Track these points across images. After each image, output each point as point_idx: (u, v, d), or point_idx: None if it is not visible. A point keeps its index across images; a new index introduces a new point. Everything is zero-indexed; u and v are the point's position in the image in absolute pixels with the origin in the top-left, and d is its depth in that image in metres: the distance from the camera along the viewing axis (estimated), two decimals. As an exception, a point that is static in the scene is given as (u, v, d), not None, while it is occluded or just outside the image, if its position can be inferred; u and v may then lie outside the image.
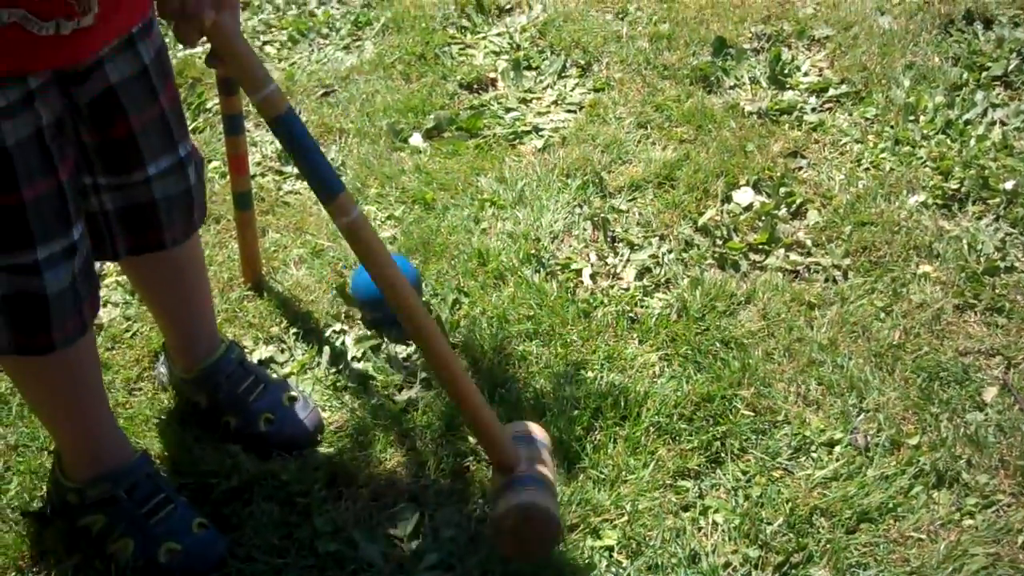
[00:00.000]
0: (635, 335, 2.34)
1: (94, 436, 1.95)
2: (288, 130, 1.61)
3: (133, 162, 1.77)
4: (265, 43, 3.34)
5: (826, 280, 2.48)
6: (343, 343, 2.36)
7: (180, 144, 1.84)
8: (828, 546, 1.91)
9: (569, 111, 3.04)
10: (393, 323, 2.35)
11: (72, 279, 1.70)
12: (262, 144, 2.92)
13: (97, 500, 1.93)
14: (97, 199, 1.79)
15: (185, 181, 1.86)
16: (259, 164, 2.84)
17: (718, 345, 2.30)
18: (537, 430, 1.86)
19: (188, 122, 2.95)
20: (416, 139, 2.94)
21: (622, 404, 2.16)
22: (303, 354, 2.33)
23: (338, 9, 3.49)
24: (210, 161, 2.85)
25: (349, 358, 2.32)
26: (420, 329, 1.68)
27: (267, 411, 2.13)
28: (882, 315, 2.36)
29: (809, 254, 2.56)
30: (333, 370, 2.29)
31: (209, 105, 3.05)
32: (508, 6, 3.47)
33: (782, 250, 2.56)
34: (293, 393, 2.17)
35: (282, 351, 2.34)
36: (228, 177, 2.57)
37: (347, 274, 2.50)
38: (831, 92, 3.06)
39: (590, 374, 2.23)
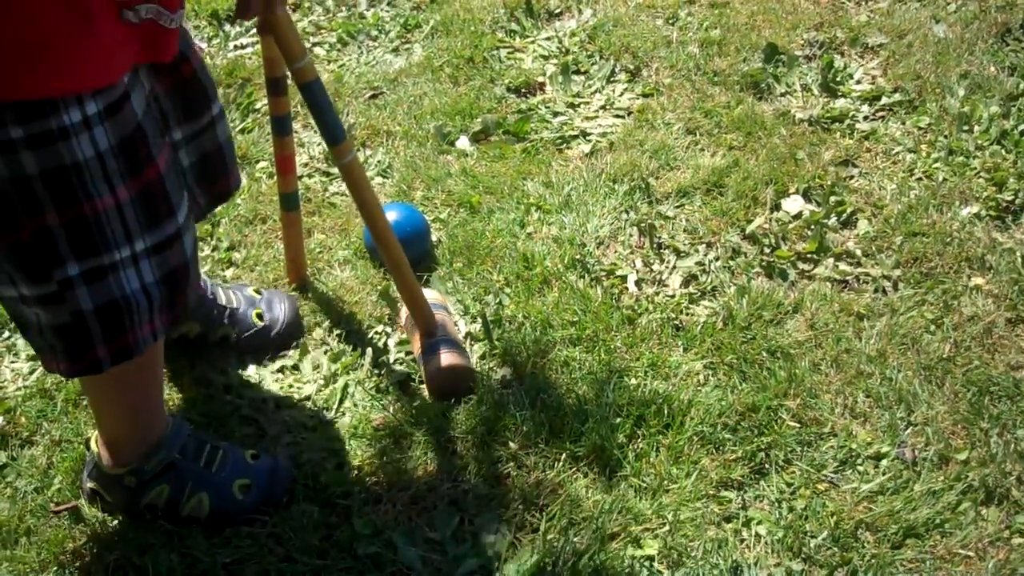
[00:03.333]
0: (680, 343, 2.32)
1: (151, 412, 1.96)
2: (313, 94, 1.99)
3: (202, 102, 1.87)
4: (315, 44, 3.34)
5: (876, 291, 2.44)
6: (385, 345, 2.35)
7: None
8: (873, 561, 1.88)
9: (617, 116, 3.02)
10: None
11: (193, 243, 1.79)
12: (309, 145, 2.92)
13: (157, 471, 1.95)
14: (176, 157, 1.84)
15: (227, 125, 1.97)
16: (306, 165, 2.85)
17: (764, 354, 2.27)
18: (439, 296, 2.38)
19: (237, 122, 2.97)
20: (463, 142, 2.93)
21: (665, 412, 2.13)
22: (347, 355, 2.32)
23: (387, 12, 3.49)
24: (257, 161, 2.86)
25: (391, 360, 2.31)
26: (381, 237, 2.14)
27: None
28: (932, 327, 2.32)
29: (859, 264, 2.52)
30: (375, 372, 2.28)
31: (258, 105, 3.06)
32: (558, 10, 3.45)
33: (831, 259, 2.52)
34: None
35: (325, 352, 2.34)
36: (275, 178, 2.58)
37: (389, 277, 2.49)
38: (884, 100, 3.02)
39: (633, 381, 2.21)
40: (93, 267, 1.62)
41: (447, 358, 2.20)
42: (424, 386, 2.25)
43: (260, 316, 2.35)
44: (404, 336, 2.36)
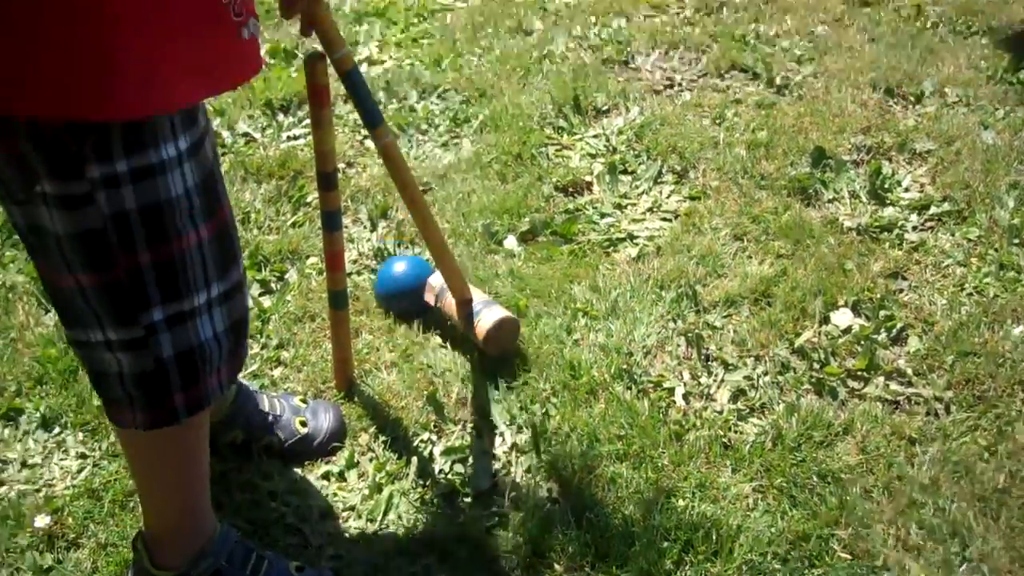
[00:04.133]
0: (728, 462, 2.30)
1: (200, 509, 1.95)
2: (353, 81, 2.11)
3: None
4: (365, 137, 3.37)
5: (927, 413, 2.42)
6: (431, 454, 2.34)
7: None
8: None
9: (664, 219, 3.02)
10: (419, 313, 2.68)
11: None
12: (359, 241, 2.94)
13: None
14: None
15: None
16: (355, 262, 2.86)
17: (815, 479, 2.25)
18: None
19: (288, 216, 2.99)
20: (511, 242, 2.94)
21: (714, 538, 2.11)
22: (392, 464, 2.31)
23: (437, 104, 3.52)
24: (307, 257, 2.87)
25: (436, 471, 2.31)
26: (420, 214, 2.34)
27: None
28: (986, 455, 2.29)
29: (910, 384, 2.50)
30: (420, 483, 2.28)
31: (309, 199, 3.08)
32: (605, 107, 3.48)
33: (882, 378, 2.51)
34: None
35: (370, 460, 2.33)
36: (324, 274, 2.59)
37: (437, 382, 2.49)
38: (933, 210, 3.02)
39: (681, 502, 2.19)
40: (176, 312, 1.64)
41: (496, 313, 2.51)
42: (480, 342, 2.51)
43: (304, 424, 2.35)
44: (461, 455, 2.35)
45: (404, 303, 2.69)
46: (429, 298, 2.65)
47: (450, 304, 2.58)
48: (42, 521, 2.19)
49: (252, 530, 2.18)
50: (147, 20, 1.42)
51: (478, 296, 2.57)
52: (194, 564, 1.93)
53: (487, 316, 2.51)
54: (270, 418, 2.33)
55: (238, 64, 1.60)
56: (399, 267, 2.71)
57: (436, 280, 2.62)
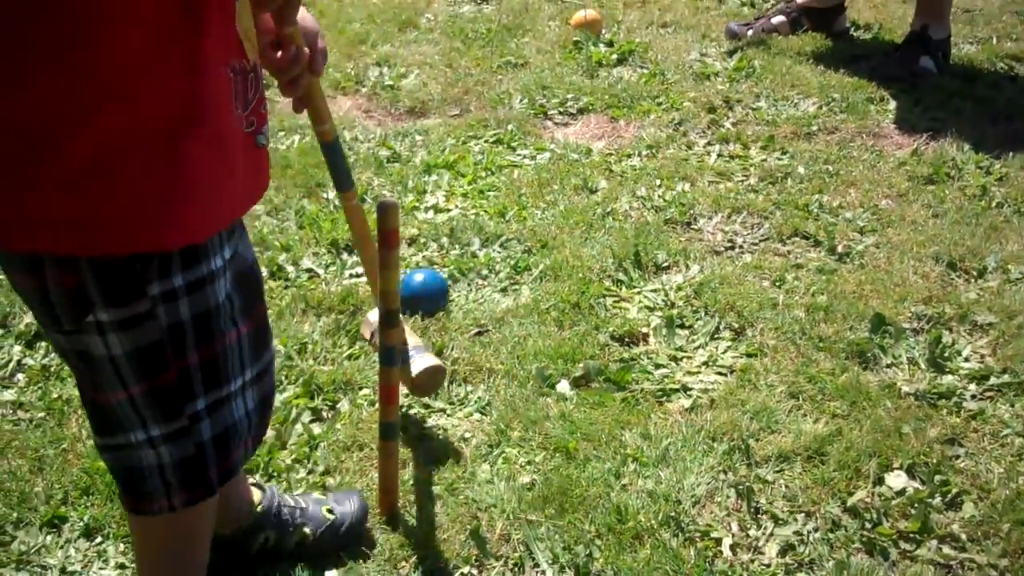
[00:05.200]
0: (774, 615, 2.24)
1: None
2: (332, 150, 2.29)
3: None
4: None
5: (982, 579, 2.35)
6: (471, 588, 2.31)
7: None
8: None
9: (720, 373, 3.02)
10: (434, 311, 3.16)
11: None
12: (412, 376, 2.96)
13: None
14: None
15: None
16: (407, 395, 2.87)
17: (863, 637, 2.18)
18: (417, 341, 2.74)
19: (345, 348, 3.02)
20: (563, 386, 2.94)
21: None
22: (429, 595, 2.28)
23: (499, 253, 3.57)
24: (360, 388, 2.89)
25: (475, 605, 2.27)
26: (370, 259, 2.44)
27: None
28: (1043, 625, 2.21)
29: (963, 549, 2.43)
30: (458, 615, 2.24)
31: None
32: (665, 264, 3.51)
33: (934, 542, 2.44)
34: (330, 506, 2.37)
35: (409, 589, 2.30)
36: (376, 406, 2.60)
37: (481, 517, 2.47)
38: (992, 380, 2.98)
39: (724, 652, 2.13)
40: (216, 399, 1.73)
41: (427, 360, 2.63)
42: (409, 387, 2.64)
43: (331, 511, 2.39)
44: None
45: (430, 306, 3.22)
46: (365, 332, 2.86)
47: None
48: (75, 629, 2.18)
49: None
50: (210, 152, 1.52)
51: (412, 341, 2.65)
52: None
53: (419, 362, 2.61)
54: (298, 511, 2.36)
55: (263, 175, 1.73)
56: (417, 278, 3.25)
57: (374, 317, 2.73)
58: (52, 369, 2.96)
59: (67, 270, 1.51)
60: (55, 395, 2.84)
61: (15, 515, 2.47)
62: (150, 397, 1.66)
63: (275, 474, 2.61)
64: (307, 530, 2.36)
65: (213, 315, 1.66)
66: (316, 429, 2.75)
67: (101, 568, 2.35)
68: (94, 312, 1.55)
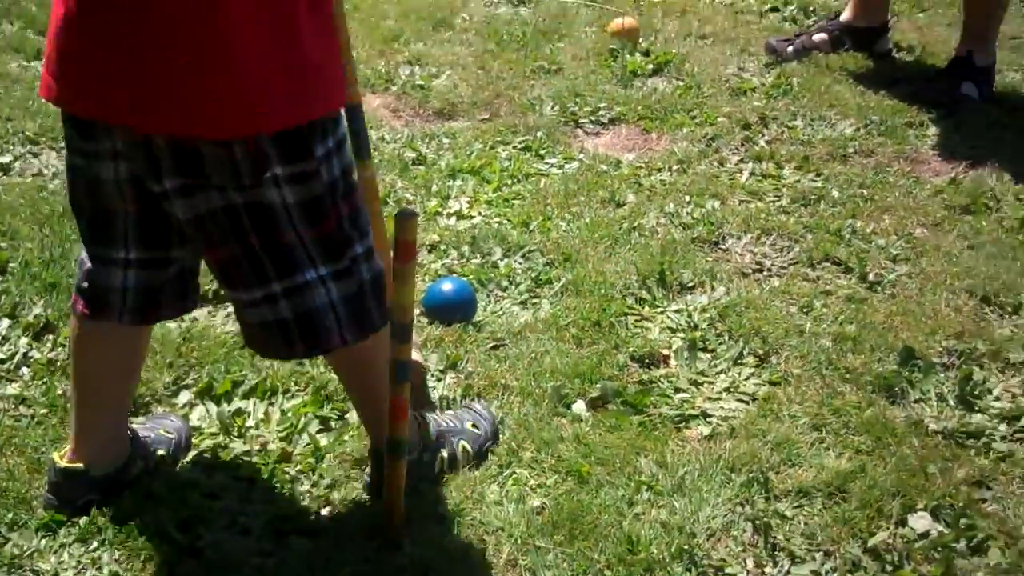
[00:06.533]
0: (787, 661, 2.15)
1: None
2: (355, 116, 2.44)
3: None
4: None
5: (1005, 632, 2.26)
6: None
7: None
8: None
9: (741, 401, 2.93)
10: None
11: None
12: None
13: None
14: None
15: None
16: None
17: None
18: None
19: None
20: (579, 406, 2.86)
21: None
22: (430, 620, 2.21)
23: (520, 264, 3.49)
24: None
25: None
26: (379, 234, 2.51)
27: None
28: None
29: (988, 599, 2.34)
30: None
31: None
32: (691, 284, 3.42)
33: (958, 589, 2.35)
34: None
35: (409, 613, 2.23)
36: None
37: (489, 540, 2.40)
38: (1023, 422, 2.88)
39: None
40: (366, 248, 2.17)
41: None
42: None
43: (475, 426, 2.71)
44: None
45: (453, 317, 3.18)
46: None
47: None
48: (63, 638, 2.12)
49: None
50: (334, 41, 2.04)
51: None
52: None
53: None
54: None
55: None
56: (446, 287, 3.25)
57: None
58: (58, 363, 2.90)
59: (249, 142, 1.91)
60: (59, 391, 2.78)
61: (11, 516, 2.40)
62: (317, 242, 2.06)
63: (279, 485, 2.54)
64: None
65: (349, 171, 2.10)
66: (323, 440, 2.68)
67: (95, 575, 2.29)
68: (272, 168, 1.94)
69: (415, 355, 2.65)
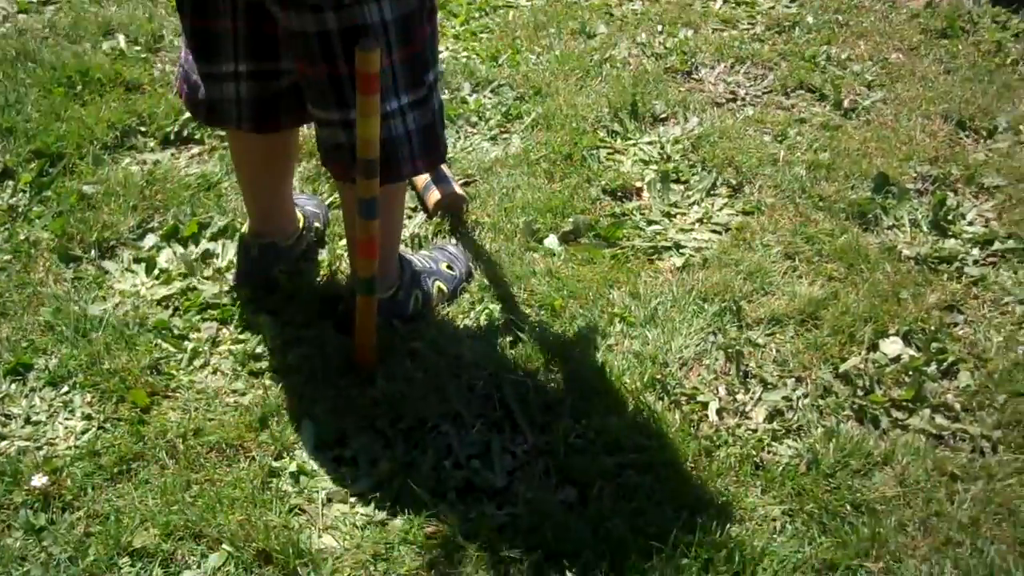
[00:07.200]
0: (759, 483, 2.18)
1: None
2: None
3: None
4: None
5: (972, 451, 2.29)
6: (449, 446, 2.24)
7: None
8: None
9: (714, 231, 2.90)
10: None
11: None
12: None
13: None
14: None
15: None
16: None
17: (848, 507, 2.12)
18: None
19: (326, 195, 2.90)
20: (552, 241, 2.83)
21: (736, 559, 1.99)
22: (404, 452, 2.22)
23: (490, 99, 3.42)
24: (341, 239, 2.77)
25: (451, 464, 2.20)
26: None
27: None
28: (1032, 499, 2.16)
29: (957, 419, 2.36)
30: (434, 474, 2.17)
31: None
32: (663, 115, 3.36)
33: (927, 411, 2.37)
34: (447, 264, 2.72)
35: (384, 447, 2.24)
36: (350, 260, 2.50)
37: (463, 374, 2.39)
38: (996, 246, 2.87)
39: (705, 520, 2.07)
40: (435, 76, 2.16)
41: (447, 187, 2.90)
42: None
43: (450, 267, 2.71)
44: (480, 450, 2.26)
45: None
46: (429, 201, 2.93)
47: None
48: (39, 480, 2.13)
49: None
50: None
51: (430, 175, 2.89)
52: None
53: (443, 187, 2.90)
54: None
55: None
56: None
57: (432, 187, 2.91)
58: (19, 210, 2.85)
59: None
60: (22, 237, 2.73)
61: (-23, 362, 2.39)
62: (405, 64, 2.06)
63: (250, 325, 2.52)
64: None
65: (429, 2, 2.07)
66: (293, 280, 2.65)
67: (67, 418, 2.29)
68: None
69: (457, 189, 2.90)
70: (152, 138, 3.16)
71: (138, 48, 3.59)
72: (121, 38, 3.64)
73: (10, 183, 2.94)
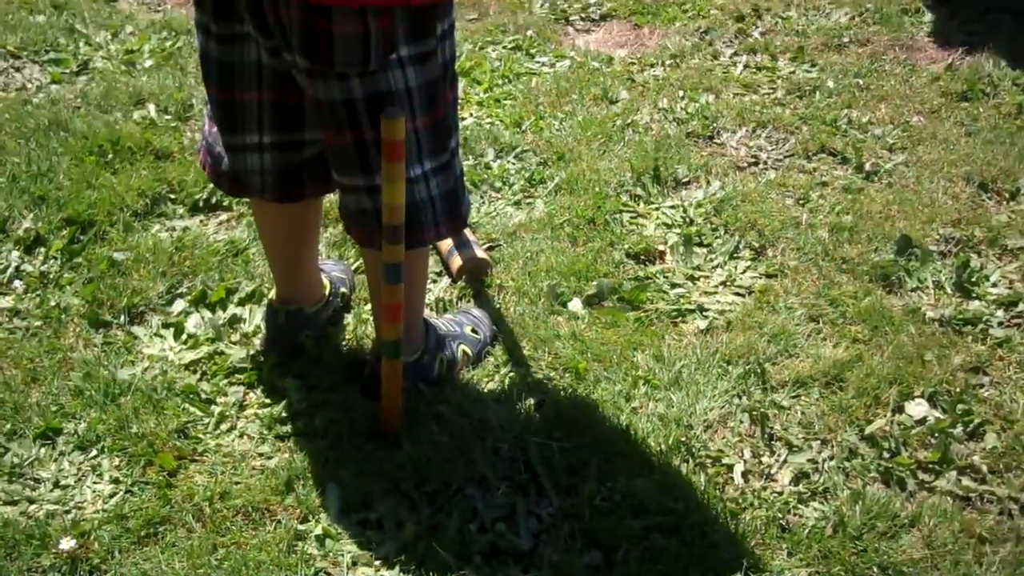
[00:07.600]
0: (785, 545, 2.17)
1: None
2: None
3: None
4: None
5: (1000, 513, 2.27)
6: (474, 509, 2.24)
7: None
8: None
9: (738, 294, 2.92)
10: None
11: None
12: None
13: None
14: None
15: None
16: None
17: (875, 570, 2.11)
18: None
19: (352, 259, 2.94)
20: (576, 304, 2.85)
21: (764, 623, 1.98)
22: (429, 515, 2.22)
23: (514, 164, 3.46)
24: (366, 303, 2.80)
25: (477, 528, 2.20)
26: None
27: None
28: (1063, 563, 2.14)
29: (984, 481, 2.35)
30: (459, 537, 2.18)
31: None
32: (686, 179, 3.39)
33: (954, 473, 2.36)
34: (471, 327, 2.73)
35: (410, 510, 2.24)
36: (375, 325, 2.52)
37: (488, 438, 2.40)
38: (1021, 307, 2.87)
39: (732, 583, 2.06)
40: (457, 141, 2.22)
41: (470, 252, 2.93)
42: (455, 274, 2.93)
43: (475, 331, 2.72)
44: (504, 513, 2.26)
45: None
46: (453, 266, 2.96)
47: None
48: (67, 543, 2.14)
49: None
50: None
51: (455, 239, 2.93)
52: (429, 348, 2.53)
53: (466, 252, 2.93)
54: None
55: None
56: None
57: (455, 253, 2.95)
58: (51, 276, 2.89)
59: (385, 15, 1.92)
60: (53, 303, 2.77)
61: (9, 426, 2.41)
62: (429, 130, 2.10)
63: (277, 390, 2.54)
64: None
65: (454, 57, 2.14)
66: (319, 345, 2.68)
67: (95, 482, 2.31)
68: (398, 49, 1.98)
69: (480, 253, 2.93)
70: (181, 205, 3.21)
71: (168, 117, 3.66)
72: (151, 107, 3.71)
73: (42, 250, 2.98)
